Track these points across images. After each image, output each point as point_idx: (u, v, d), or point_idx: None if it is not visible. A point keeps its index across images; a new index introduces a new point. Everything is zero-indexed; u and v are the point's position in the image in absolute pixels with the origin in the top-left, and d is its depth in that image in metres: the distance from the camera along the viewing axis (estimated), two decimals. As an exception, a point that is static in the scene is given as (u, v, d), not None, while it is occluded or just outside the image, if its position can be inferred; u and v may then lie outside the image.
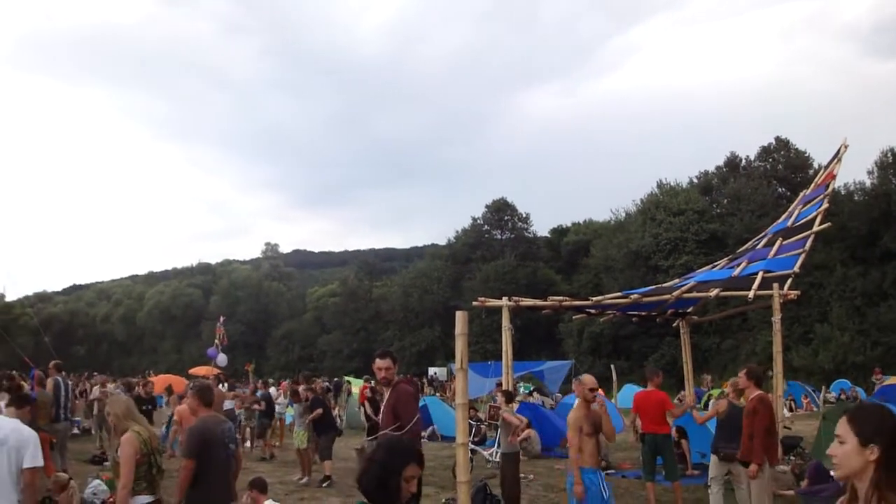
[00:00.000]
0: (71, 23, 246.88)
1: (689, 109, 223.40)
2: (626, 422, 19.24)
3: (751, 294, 11.74)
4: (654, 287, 15.29)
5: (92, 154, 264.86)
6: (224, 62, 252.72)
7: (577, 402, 8.62)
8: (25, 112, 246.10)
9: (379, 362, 6.88)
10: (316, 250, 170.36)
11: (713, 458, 10.17)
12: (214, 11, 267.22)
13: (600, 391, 8.97)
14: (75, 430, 18.51)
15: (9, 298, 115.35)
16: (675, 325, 17.08)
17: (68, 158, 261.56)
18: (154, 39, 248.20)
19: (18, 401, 5.98)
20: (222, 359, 28.04)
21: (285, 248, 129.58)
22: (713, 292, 12.59)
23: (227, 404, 16.88)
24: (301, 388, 16.22)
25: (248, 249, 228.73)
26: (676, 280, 15.45)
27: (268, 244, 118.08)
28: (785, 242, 13.25)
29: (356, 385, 28.48)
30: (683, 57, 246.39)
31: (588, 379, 8.26)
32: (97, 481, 11.30)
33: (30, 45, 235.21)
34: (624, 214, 62.20)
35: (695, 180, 58.75)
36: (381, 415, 6.87)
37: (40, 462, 5.75)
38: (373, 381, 17.63)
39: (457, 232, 73.58)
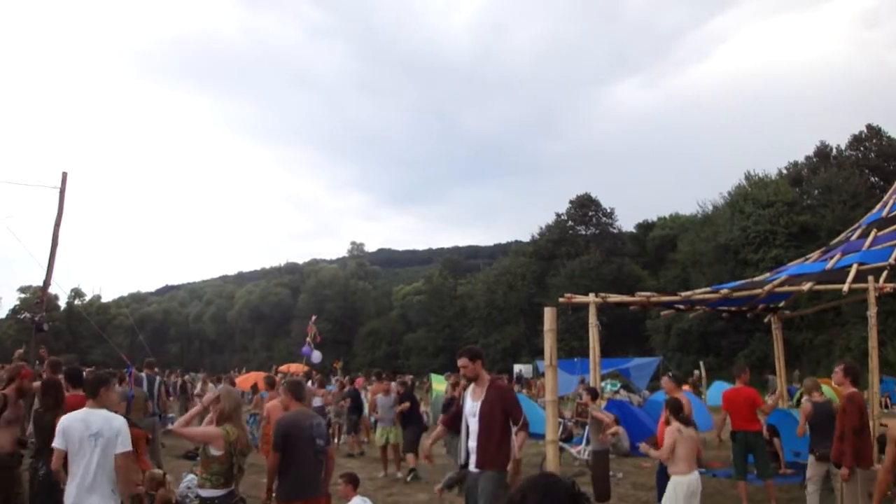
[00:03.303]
0: (166, 32, 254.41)
1: (775, 99, 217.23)
2: (715, 420, 18.90)
3: (845, 287, 11.36)
4: (744, 281, 14.95)
5: (183, 158, 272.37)
6: (310, 65, 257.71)
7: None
8: (120, 117, 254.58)
9: (459, 361, 6.94)
10: (401, 249, 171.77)
11: (810, 458, 9.91)
12: (300, 16, 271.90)
13: (687, 387, 8.85)
14: (168, 427, 18.96)
15: (105, 299, 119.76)
16: (766, 320, 16.70)
17: (161, 162, 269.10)
18: (243, 45, 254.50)
19: (91, 388, 6.18)
20: (317, 356, 28.46)
21: (371, 247, 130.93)
22: (806, 286, 12.24)
23: (316, 401, 17.13)
24: (392, 383, 16.39)
25: (334, 249, 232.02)
26: (767, 274, 15.06)
27: (353, 243, 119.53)
28: (880, 234, 12.82)
29: (438, 381, 28.55)
30: (768, 45, 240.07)
31: None
32: (191, 475, 11.59)
33: (130, 54, 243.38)
34: (711, 207, 60.92)
35: (784, 171, 57.07)
36: (477, 415, 6.74)
37: (129, 447, 6.02)
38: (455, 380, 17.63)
39: (541, 228, 73.24)
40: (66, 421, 5.89)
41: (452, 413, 7.63)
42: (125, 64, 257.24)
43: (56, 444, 5.81)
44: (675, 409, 8.52)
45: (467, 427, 6.85)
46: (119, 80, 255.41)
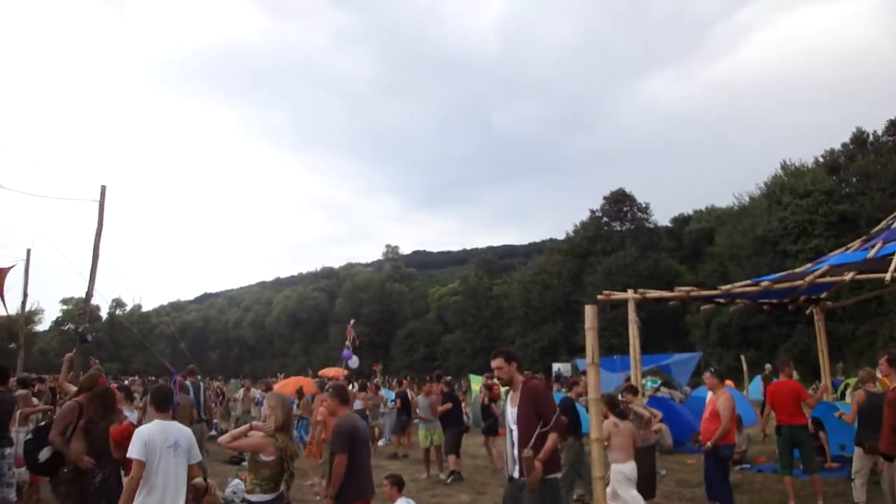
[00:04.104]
0: (195, 45, 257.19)
1: (810, 86, 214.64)
2: (758, 414, 18.70)
3: (888, 276, 11.14)
4: (785, 273, 14.73)
5: (217, 168, 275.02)
6: (339, 70, 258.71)
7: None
8: (155, 130, 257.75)
9: (492, 362, 6.73)
10: (435, 250, 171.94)
11: (857, 451, 9.77)
12: (326, 22, 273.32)
13: (729, 382, 8.81)
14: (212, 433, 19.15)
15: (145, 309, 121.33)
16: (807, 312, 16.49)
17: (196, 173, 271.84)
18: (271, 55, 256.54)
19: (161, 403, 6.28)
20: (354, 361, 28.56)
21: (405, 250, 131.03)
22: (848, 276, 12.03)
23: (357, 404, 17.20)
24: (434, 384, 16.39)
25: (369, 252, 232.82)
26: (808, 265, 14.85)
27: (388, 246, 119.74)
28: (921, 219, 12.59)
29: (476, 382, 28.53)
30: (801, 33, 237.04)
31: None
32: (237, 480, 11.71)
33: (157, 66, 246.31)
34: (748, 199, 60.12)
35: (820, 159, 56.10)
36: (515, 418, 6.59)
37: (200, 457, 6.33)
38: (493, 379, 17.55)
39: (575, 225, 73.00)
40: (146, 432, 5.98)
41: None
42: (157, 78, 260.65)
43: (136, 454, 5.84)
44: (611, 404, 9.34)
45: (511, 435, 6.56)
46: (151, 93, 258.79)
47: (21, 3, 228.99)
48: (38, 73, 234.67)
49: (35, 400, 11.77)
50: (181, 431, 6.14)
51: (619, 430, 8.94)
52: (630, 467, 8.80)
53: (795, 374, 16.14)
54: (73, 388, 8.70)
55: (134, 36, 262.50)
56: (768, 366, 24.18)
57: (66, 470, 7.30)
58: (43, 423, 7.93)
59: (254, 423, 6.56)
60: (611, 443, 8.82)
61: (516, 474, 6.37)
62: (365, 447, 6.96)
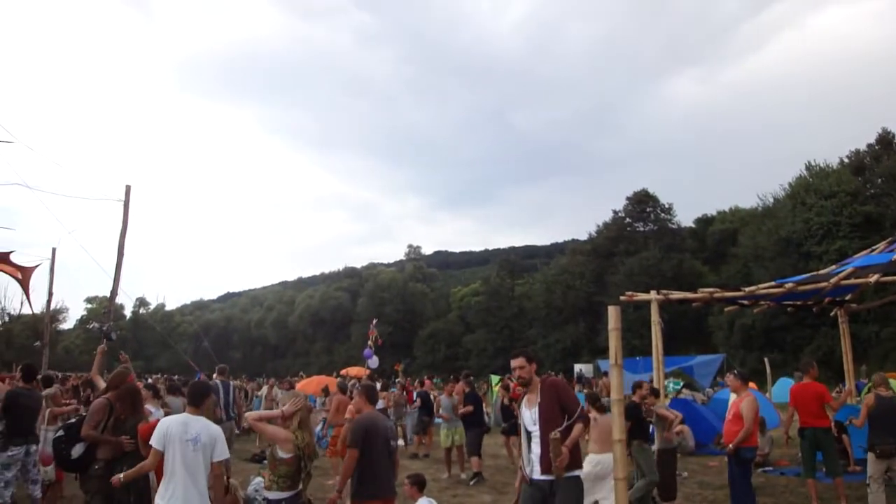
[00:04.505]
0: (216, 44, 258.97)
1: (835, 86, 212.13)
2: (781, 417, 18.60)
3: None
4: (809, 275, 14.65)
5: (240, 168, 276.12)
6: (362, 71, 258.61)
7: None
8: (179, 131, 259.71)
9: (512, 362, 6.58)
10: (457, 250, 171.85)
11: (870, 456, 9.72)
12: (350, 23, 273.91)
13: (752, 385, 8.77)
14: (236, 431, 19.27)
15: (168, 308, 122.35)
16: (832, 314, 16.39)
17: (219, 173, 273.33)
18: (295, 56, 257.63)
19: (191, 397, 6.37)
20: (375, 360, 28.71)
21: (427, 250, 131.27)
22: (872, 278, 11.95)
23: (379, 403, 17.26)
24: (457, 384, 16.45)
25: (391, 252, 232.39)
26: (833, 266, 14.75)
27: (410, 246, 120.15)
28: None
29: (497, 382, 28.56)
30: (827, 32, 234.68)
31: None
32: (258, 478, 11.78)
33: (181, 68, 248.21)
34: (772, 200, 59.83)
35: (845, 160, 55.52)
36: (538, 421, 6.47)
37: (227, 455, 6.27)
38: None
39: (598, 226, 72.92)
40: (165, 424, 6.09)
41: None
42: (180, 79, 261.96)
43: (154, 443, 5.97)
44: (593, 399, 9.81)
45: (528, 436, 6.42)
46: (174, 94, 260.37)
47: (48, 7, 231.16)
48: (62, 75, 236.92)
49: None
50: (206, 427, 6.16)
51: (596, 424, 9.24)
52: (606, 458, 8.72)
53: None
54: (103, 384, 8.81)
55: (158, 38, 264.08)
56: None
57: (96, 466, 7.39)
58: (73, 420, 8.00)
59: (285, 408, 6.64)
60: (590, 435, 9.37)
61: (537, 475, 6.22)
62: (384, 446, 6.98)
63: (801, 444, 11.15)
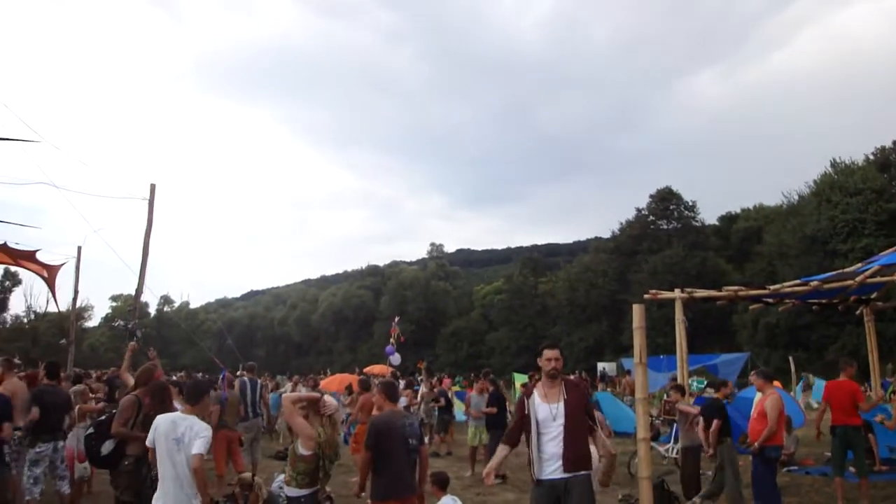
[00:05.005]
0: (240, 43, 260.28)
1: (860, 82, 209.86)
2: (808, 416, 18.49)
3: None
4: (835, 273, 14.55)
5: (263, 166, 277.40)
6: (385, 69, 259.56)
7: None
8: (204, 130, 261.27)
9: (548, 353, 6.36)
10: (479, 248, 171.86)
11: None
12: (375, 21, 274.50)
13: (777, 383, 8.71)
14: (263, 429, 19.35)
15: (192, 306, 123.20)
16: (857, 312, 16.27)
17: (242, 172, 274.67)
18: (317, 54, 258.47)
19: (188, 395, 6.48)
20: (396, 358, 28.75)
21: (450, 248, 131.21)
22: (899, 276, 11.88)
23: (402, 401, 17.30)
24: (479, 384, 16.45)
25: (414, 250, 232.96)
26: (858, 264, 14.63)
27: (433, 244, 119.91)
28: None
29: (521, 381, 28.53)
30: (852, 27, 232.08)
31: None
32: (282, 475, 11.86)
33: (204, 67, 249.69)
34: (797, 197, 59.19)
35: (871, 157, 54.78)
36: (563, 417, 6.37)
37: (203, 450, 6.20)
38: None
39: (621, 224, 72.55)
40: (157, 422, 6.24)
41: (515, 429, 6.65)
42: (204, 78, 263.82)
43: (147, 441, 6.21)
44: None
45: (538, 433, 6.18)
46: (198, 93, 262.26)
47: (75, 8, 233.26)
48: (88, 76, 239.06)
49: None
50: (191, 426, 6.22)
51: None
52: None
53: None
54: (132, 381, 8.91)
55: (183, 38, 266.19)
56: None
57: (126, 462, 7.49)
58: (104, 417, 8.10)
59: (327, 396, 6.72)
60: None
61: (559, 474, 6.03)
62: (402, 445, 6.96)
63: (833, 442, 11.07)
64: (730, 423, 10.57)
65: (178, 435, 6.11)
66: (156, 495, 6.14)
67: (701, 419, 10.83)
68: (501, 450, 6.58)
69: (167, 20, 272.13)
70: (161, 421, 6.21)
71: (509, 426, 6.49)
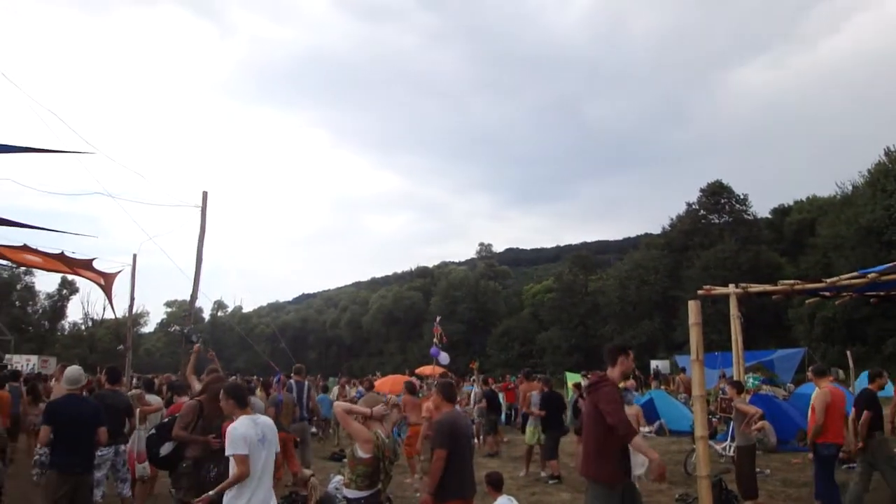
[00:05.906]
0: (287, 52, 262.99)
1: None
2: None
3: None
4: (892, 264, 14.25)
5: (312, 171, 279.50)
6: (429, 71, 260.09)
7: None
8: (253, 137, 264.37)
9: (630, 354, 6.73)
10: (528, 247, 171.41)
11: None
12: (416, 24, 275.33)
13: (832, 378, 8.52)
14: (313, 430, 19.54)
15: (245, 310, 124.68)
16: (917, 304, 15.91)
17: (293, 177, 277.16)
18: (361, 59, 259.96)
19: (244, 400, 6.55)
20: (444, 357, 28.76)
21: (498, 247, 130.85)
22: (959, 266, 11.58)
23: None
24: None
25: (463, 251, 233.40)
26: (917, 256, 14.31)
27: (482, 244, 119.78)
28: None
29: (573, 380, 28.38)
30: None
31: None
32: (339, 476, 11.94)
33: (252, 78, 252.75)
34: (851, 187, 57.97)
35: (926, 143, 53.52)
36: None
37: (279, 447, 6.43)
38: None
39: (671, 219, 71.80)
40: (241, 427, 6.12)
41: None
42: (253, 87, 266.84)
43: (239, 450, 6.00)
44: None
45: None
46: (246, 101, 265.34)
47: (126, 23, 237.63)
48: (140, 87, 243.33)
49: (150, 398, 12.21)
50: (267, 424, 6.42)
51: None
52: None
53: None
54: (197, 384, 9.06)
55: (231, 49, 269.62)
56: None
57: (184, 464, 7.64)
58: (166, 420, 8.30)
59: (375, 410, 6.75)
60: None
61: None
62: (466, 445, 7.05)
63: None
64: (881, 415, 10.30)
65: (261, 436, 6.18)
66: (242, 496, 6.07)
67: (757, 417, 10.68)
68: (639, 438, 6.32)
69: (215, 32, 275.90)
70: (245, 428, 6.12)
71: (622, 418, 6.06)
